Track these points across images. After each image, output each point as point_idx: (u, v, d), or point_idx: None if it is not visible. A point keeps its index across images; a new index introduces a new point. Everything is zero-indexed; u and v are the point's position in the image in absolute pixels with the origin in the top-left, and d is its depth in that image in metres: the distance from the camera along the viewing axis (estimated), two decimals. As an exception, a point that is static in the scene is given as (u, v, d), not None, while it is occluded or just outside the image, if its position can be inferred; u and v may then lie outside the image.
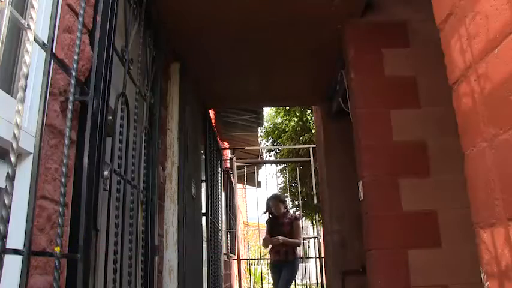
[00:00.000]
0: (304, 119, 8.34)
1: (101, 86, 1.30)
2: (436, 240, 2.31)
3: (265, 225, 4.86)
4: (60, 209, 1.00)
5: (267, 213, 4.81)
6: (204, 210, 3.82)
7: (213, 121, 4.98)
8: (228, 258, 6.69)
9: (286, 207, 4.77)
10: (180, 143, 2.77)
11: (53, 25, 1.05)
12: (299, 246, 4.63)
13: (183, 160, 2.76)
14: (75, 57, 1.14)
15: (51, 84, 1.11)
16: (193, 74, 3.31)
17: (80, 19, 1.21)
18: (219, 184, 5.34)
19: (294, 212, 8.67)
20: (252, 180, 8.14)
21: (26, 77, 0.86)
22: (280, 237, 4.38)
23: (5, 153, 0.96)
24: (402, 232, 2.32)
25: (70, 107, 1.10)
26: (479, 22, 0.79)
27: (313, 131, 7.61)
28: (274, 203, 4.64)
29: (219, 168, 5.49)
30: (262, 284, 10.16)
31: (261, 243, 5.06)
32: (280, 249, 4.45)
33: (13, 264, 0.93)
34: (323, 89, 3.76)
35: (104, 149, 1.29)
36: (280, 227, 4.51)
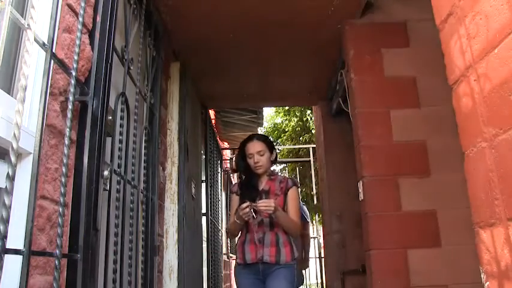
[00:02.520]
0: (304, 119, 8.36)
1: (101, 86, 1.30)
2: (436, 240, 2.31)
3: (230, 196, 2.48)
4: (60, 209, 1.00)
5: (239, 172, 2.57)
6: (204, 210, 3.82)
7: (213, 121, 4.98)
8: (228, 258, 6.69)
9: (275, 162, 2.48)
10: (180, 143, 2.77)
11: (53, 25, 1.05)
12: (297, 232, 2.35)
13: (183, 160, 2.76)
14: (75, 57, 1.14)
15: (51, 84, 1.11)
16: (193, 74, 3.31)
17: (80, 19, 1.21)
18: (219, 184, 5.35)
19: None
20: (252, 180, 8.11)
21: (26, 77, 0.86)
22: (267, 202, 2.11)
23: (5, 153, 0.96)
24: (402, 232, 2.32)
25: (70, 107, 1.10)
26: (478, 22, 0.79)
27: (313, 131, 7.62)
28: (257, 147, 2.33)
29: (219, 168, 5.50)
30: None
31: (228, 226, 2.44)
32: (263, 238, 2.20)
33: (13, 264, 0.93)
34: (323, 89, 3.76)
35: (104, 149, 1.29)
36: (264, 198, 2.25)
